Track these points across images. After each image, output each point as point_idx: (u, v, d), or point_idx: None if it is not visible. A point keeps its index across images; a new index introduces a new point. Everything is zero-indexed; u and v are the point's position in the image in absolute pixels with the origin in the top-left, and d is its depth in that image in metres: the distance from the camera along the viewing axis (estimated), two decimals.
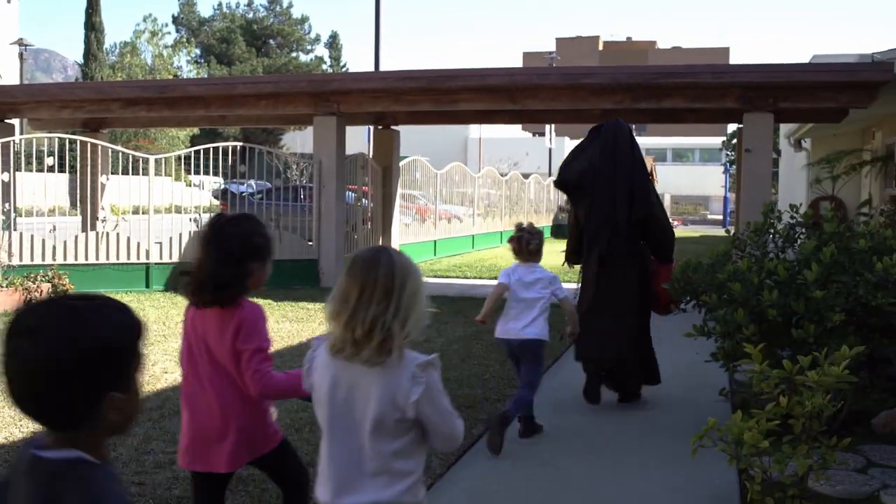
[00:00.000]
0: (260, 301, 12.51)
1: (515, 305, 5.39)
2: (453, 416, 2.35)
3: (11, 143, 12.05)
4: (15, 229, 11.84)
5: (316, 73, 46.45)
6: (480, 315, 5.56)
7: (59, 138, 13.41)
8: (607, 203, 6.17)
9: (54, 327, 1.50)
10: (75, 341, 1.49)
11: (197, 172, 14.24)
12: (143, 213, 12.61)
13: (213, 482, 3.05)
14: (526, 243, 5.44)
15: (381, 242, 15.33)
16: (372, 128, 16.83)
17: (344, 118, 13.19)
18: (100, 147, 13.60)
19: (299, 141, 41.36)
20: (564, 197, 34.95)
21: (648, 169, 6.66)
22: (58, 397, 1.49)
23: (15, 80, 31.05)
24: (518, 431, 5.46)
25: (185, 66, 51.08)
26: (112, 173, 15.35)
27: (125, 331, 1.58)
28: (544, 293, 5.38)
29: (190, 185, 17.49)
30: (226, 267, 2.89)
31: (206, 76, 47.00)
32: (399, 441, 2.28)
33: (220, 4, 57.37)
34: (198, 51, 54.23)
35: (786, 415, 3.82)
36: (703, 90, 11.49)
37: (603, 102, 12.20)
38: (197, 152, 13.13)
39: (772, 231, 6.05)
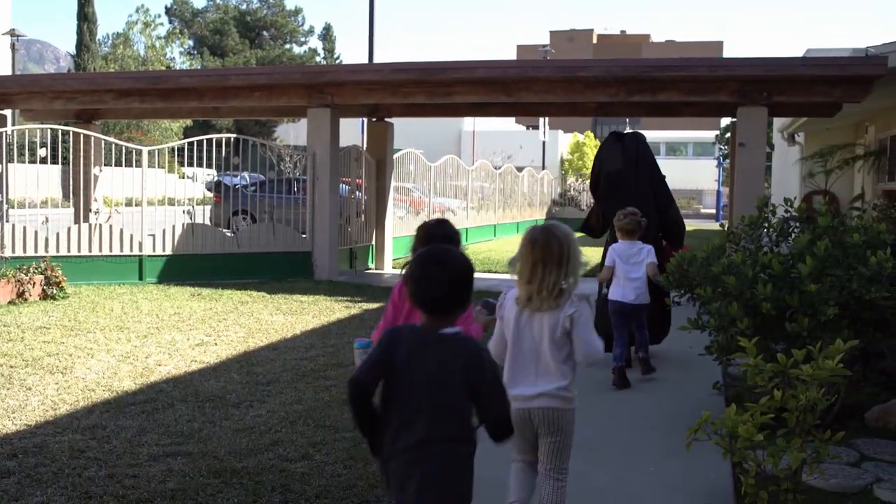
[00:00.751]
0: (254, 293, 12.31)
1: (623, 276, 6.59)
2: (595, 336, 3.40)
3: (3, 134, 11.98)
4: (7, 221, 11.79)
5: (310, 65, 46.31)
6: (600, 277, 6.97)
7: (52, 129, 13.34)
8: (632, 201, 7.02)
9: (451, 259, 2.74)
10: (464, 265, 2.74)
11: (190, 164, 14.20)
12: (136, 204, 12.56)
13: None
14: (637, 224, 6.51)
15: (374, 235, 15.30)
16: (366, 120, 16.75)
17: (338, 110, 13.15)
18: (92, 138, 13.53)
19: (293, 133, 41.27)
20: (558, 190, 34.78)
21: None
22: (454, 297, 2.69)
23: (7, 71, 30.89)
24: (612, 381, 6.45)
25: (178, 57, 50.97)
26: (105, 165, 15.30)
27: (468, 257, 2.82)
28: (643, 268, 6.54)
29: (183, 177, 17.45)
30: None
31: (199, 67, 46.83)
32: (563, 350, 3.40)
33: None
34: (191, 42, 54.08)
35: (780, 408, 3.83)
36: (697, 84, 11.47)
37: (598, 95, 12.17)
38: (190, 144, 13.08)
39: (766, 225, 6.06)
